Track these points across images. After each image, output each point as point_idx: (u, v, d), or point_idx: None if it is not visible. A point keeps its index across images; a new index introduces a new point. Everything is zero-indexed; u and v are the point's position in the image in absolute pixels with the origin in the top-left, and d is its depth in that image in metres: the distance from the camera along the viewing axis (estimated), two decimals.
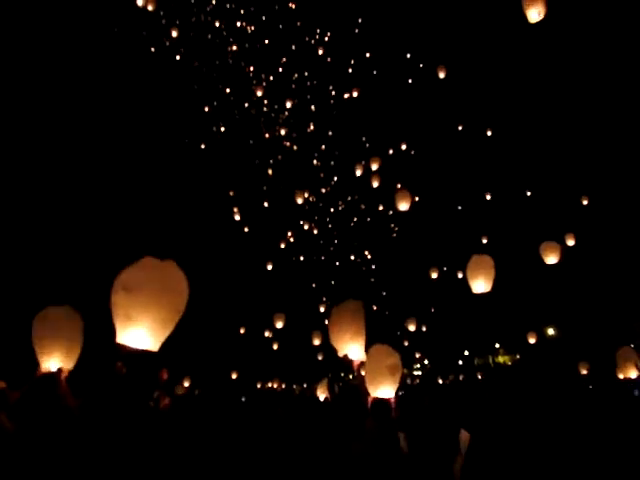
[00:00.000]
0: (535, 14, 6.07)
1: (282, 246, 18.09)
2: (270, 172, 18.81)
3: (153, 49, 15.71)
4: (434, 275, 14.85)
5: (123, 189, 20.56)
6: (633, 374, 5.68)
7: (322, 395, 6.70)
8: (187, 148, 20.44)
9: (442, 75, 12.92)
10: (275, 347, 17.94)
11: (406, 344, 20.87)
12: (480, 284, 5.81)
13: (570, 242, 12.03)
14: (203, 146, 18.48)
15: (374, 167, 12.93)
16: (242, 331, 19.97)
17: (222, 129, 17.75)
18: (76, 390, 3.19)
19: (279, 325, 15.84)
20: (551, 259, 9.10)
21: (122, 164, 20.58)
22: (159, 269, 2.59)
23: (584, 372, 10.95)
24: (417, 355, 25.44)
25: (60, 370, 3.25)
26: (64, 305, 3.48)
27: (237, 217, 17.04)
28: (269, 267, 17.06)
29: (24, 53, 17.13)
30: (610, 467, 3.51)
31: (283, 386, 19.86)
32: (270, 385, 19.91)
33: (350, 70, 16.53)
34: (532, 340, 15.57)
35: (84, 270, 17.31)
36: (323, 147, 18.68)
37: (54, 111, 18.64)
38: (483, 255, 6.00)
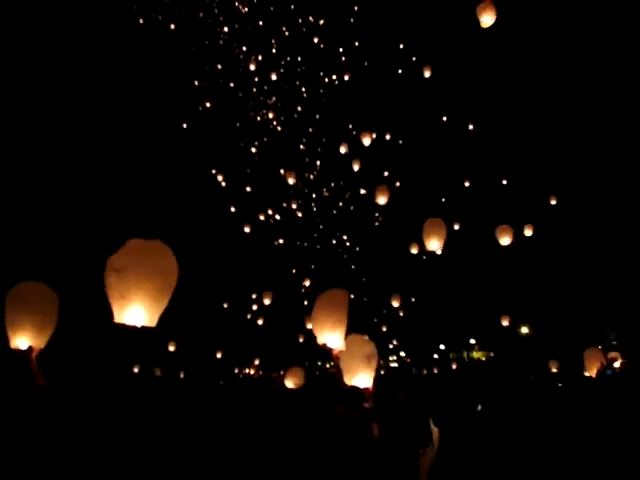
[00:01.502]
0: (488, 19, 7.02)
1: (262, 218, 18.14)
2: (254, 152, 18.75)
3: (142, 21, 15.37)
4: (414, 251, 14.22)
5: (106, 169, 20.23)
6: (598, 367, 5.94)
7: (290, 384, 6.44)
8: (172, 128, 20.17)
9: (428, 74, 13.10)
10: (260, 322, 18.07)
11: (384, 330, 21.01)
12: (434, 243, 6.79)
13: (528, 232, 12.94)
14: (185, 125, 18.29)
15: (366, 142, 12.96)
16: (225, 306, 20.03)
17: (208, 105, 17.53)
18: (47, 370, 3.12)
19: (267, 302, 15.96)
20: (505, 240, 10.09)
21: (105, 144, 20.22)
22: (146, 248, 2.73)
23: (554, 370, 11.21)
24: (395, 342, 25.51)
25: (30, 348, 3.17)
26: (40, 282, 3.39)
27: (223, 183, 17.00)
28: (246, 229, 17.02)
29: None
30: (578, 461, 3.60)
31: (260, 373, 19.88)
32: (247, 371, 19.92)
33: (343, 58, 16.46)
34: (505, 323, 15.67)
35: (63, 250, 17.03)
36: (310, 130, 18.62)
37: (34, 91, 18.15)
38: (436, 218, 7.00)
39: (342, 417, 3.30)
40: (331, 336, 3.70)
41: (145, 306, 2.65)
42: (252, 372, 19.10)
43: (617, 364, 5.71)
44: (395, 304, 15.34)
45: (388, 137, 16.22)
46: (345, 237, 22.40)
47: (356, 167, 13.62)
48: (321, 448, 3.28)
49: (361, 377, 3.71)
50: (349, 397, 3.51)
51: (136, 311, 2.63)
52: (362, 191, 18.37)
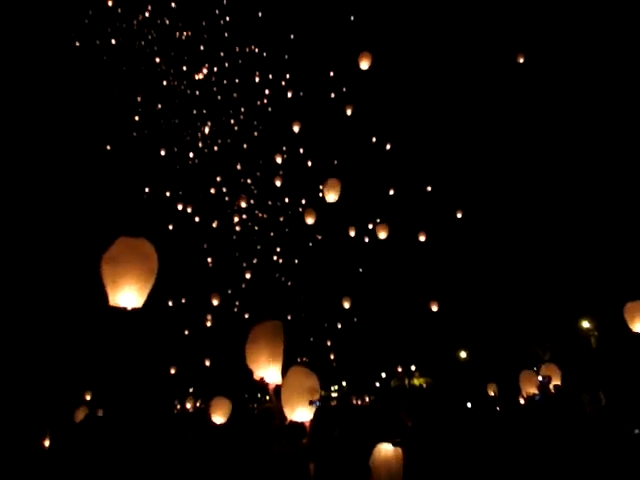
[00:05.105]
0: (331, 197, 9.17)
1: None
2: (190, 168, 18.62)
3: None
4: (352, 233, 14.40)
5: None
6: (533, 390, 6.22)
7: (218, 418, 5.98)
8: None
9: (349, 112, 13.72)
10: (209, 324, 17.98)
11: (326, 346, 20.75)
12: (331, 196, 8.96)
13: (421, 238, 14.63)
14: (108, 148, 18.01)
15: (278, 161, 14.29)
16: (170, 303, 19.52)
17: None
18: None
19: (215, 302, 16.08)
20: (382, 235, 11.75)
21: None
22: (134, 243, 3.43)
23: (492, 393, 11.45)
24: (332, 359, 24.97)
25: None
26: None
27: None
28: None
29: None
30: None
31: (198, 404, 18.89)
32: (184, 405, 18.91)
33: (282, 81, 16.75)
34: (434, 308, 16.08)
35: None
36: (245, 146, 18.67)
37: None
38: (333, 178, 9.13)
39: (282, 456, 3.15)
40: (268, 370, 3.57)
41: (133, 289, 3.29)
42: (189, 405, 18.09)
43: (551, 387, 5.91)
44: (346, 305, 15.42)
45: (310, 164, 16.61)
46: (281, 255, 22.10)
47: (278, 183, 14.59)
48: None
49: (302, 411, 3.59)
50: (288, 433, 3.37)
51: (126, 294, 3.27)
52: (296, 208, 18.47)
